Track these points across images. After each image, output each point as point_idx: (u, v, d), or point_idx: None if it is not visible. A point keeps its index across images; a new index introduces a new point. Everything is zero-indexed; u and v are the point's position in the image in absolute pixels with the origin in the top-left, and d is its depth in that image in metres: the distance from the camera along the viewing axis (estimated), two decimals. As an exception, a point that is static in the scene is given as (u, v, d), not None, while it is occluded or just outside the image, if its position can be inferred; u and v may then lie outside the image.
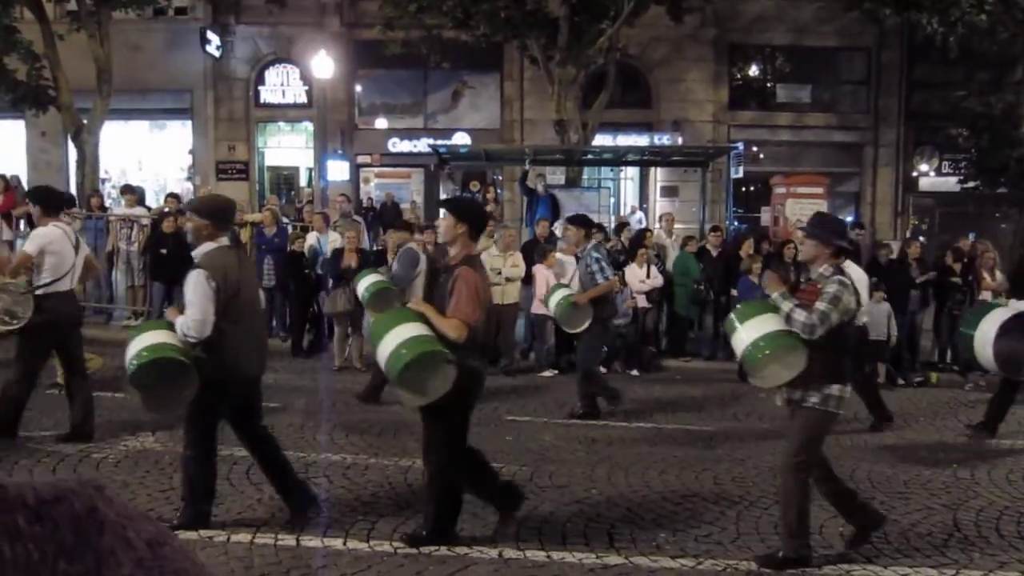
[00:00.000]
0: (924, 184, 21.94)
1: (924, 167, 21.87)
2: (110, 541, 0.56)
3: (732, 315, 5.27)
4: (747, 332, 4.93)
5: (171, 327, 4.97)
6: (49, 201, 6.86)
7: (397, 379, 4.78)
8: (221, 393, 5.05)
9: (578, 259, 8.91)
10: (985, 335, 7.19)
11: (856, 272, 8.75)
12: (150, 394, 4.99)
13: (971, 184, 18.58)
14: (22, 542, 0.52)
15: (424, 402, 4.86)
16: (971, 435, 8.25)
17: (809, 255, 5.06)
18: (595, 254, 8.47)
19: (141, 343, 4.92)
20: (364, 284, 8.11)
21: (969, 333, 7.55)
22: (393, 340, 4.77)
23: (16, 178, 16.29)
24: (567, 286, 8.78)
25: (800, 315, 4.73)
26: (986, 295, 12.18)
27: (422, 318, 4.87)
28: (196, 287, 4.87)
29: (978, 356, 7.46)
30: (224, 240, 5.13)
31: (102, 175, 17.97)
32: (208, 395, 4.98)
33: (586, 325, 8.34)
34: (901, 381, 11.07)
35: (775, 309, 4.89)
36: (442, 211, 5.65)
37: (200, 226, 5.06)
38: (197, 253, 5.04)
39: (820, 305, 4.73)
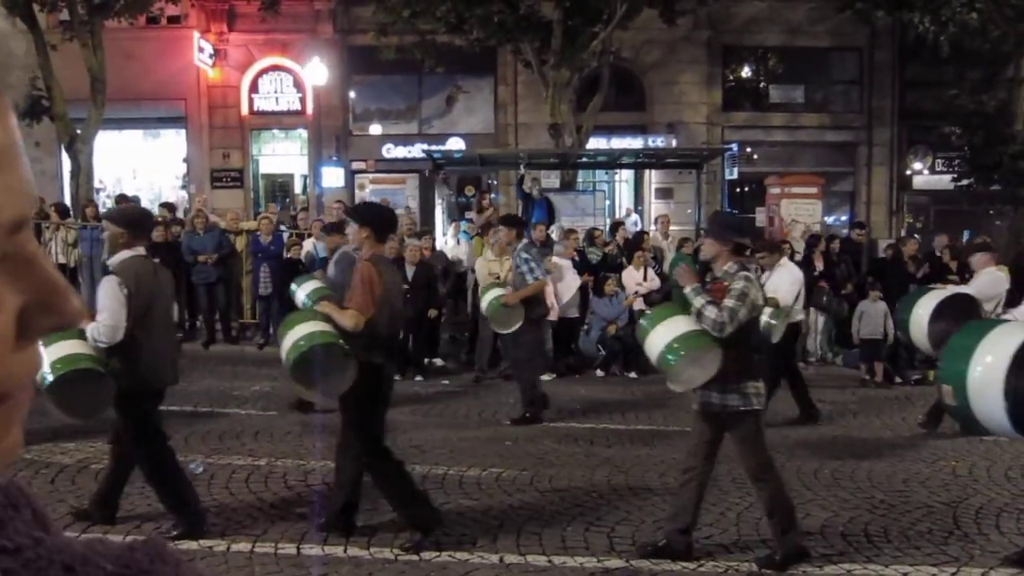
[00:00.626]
0: (918, 182, 21.98)
1: (918, 165, 21.92)
2: None
3: (642, 321, 5.28)
4: (660, 335, 4.95)
5: (81, 335, 4.93)
6: None
7: (291, 371, 4.97)
8: (136, 402, 5.09)
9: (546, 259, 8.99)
10: (920, 319, 6.98)
11: (793, 272, 8.74)
12: (69, 404, 4.92)
13: (965, 182, 18.60)
14: None
15: (325, 398, 5.07)
16: (928, 429, 8.32)
17: (710, 254, 5.10)
18: (524, 254, 8.48)
19: (53, 354, 4.83)
20: (303, 291, 8.14)
21: (904, 317, 7.36)
22: (292, 337, 4.97)
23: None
24: (500, 285, 8.83)
25: (711, 312, 4.76)
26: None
27: (326, 318, 5.07)
28: (108, 293, 4.96)
29: (914, 340, 7.22)
30: (140, 249, 5.21)
31: (97, 185, 17.96)
32: (127, 406, 5.04)
33: (517, 325, 8.37)
34: (899, 380, 11.09)
35: (685, 312, 4.94)
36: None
37: (116, 234, 5.17)
38: (112, 261, 5.17)
39: (728, 302, 4.77)
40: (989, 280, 8.39)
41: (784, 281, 8.60)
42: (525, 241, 8.75)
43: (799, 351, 12.05)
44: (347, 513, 5.26)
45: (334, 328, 5.01)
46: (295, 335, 5.00)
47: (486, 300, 8.55)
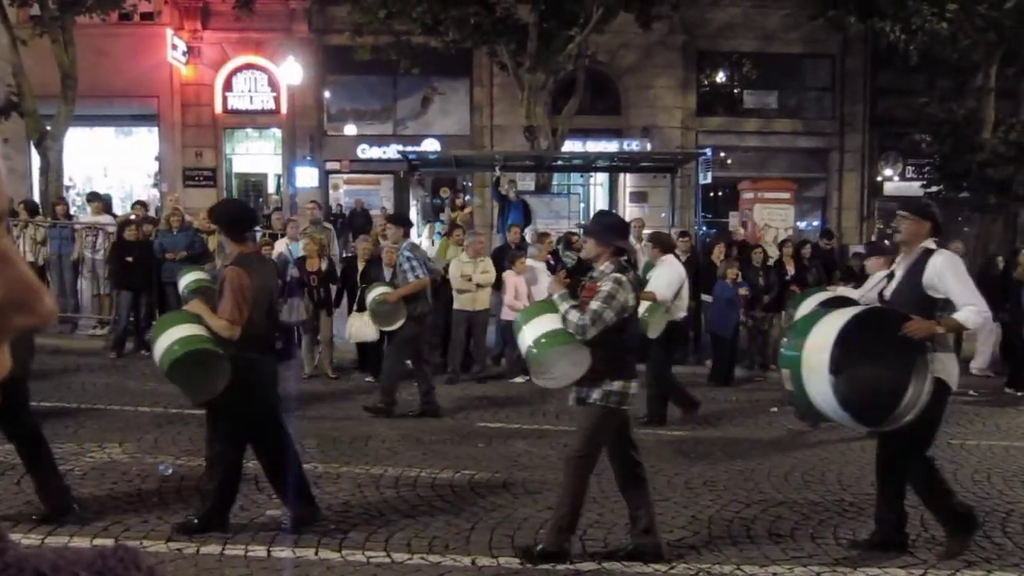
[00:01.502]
0: (889, 189, 22.26)
1: (888, 172, 22.20)
2: None
3: (517, 316, 5.32)
4: (530, 331, 5.00)
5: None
6: None
7: (168, 374, 4.99)
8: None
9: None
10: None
11: (674, 268, 8.71)
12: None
13: (934, 189, 18.86)
14: None
15: (204, 398, 5.07)
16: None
17: (591, 253, 5.11)
18: (407, 252, 8.58)
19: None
20: (184, 281, 8.13)
21: (791, 314, 6.27)
22: (167, 340, 4.96)
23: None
24: (387, 284, 8.95)
25: (573, 316, 4.79)
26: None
27: (199, 319, 5.04)
28: None
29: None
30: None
31: (67, 182, 17.74)
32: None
33: (399, 323, 8.50)
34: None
35: (555, 309, 4.97)
36: None
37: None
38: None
39: (594, 304, 4.79)
40: (878, 284, 8.47)
41: (663, 276, 8.59)
42: (409, 240, 8.84)
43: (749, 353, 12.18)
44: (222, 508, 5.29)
45: (207, 330, 4.97)
46: (169, 339, 4.95)
47: (368, 298, 8.72)
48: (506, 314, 10.60)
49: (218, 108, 20.81)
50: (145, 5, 18.96)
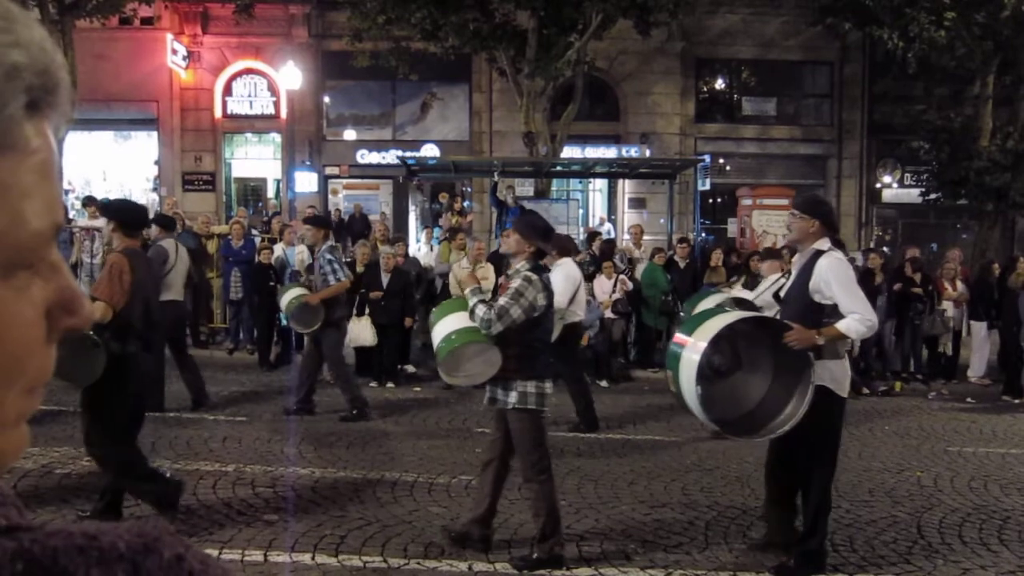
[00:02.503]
0: (887, 196, 22.30)
1: (887, 179, 22.24)
2: None
3: (432, 313, 5.37)
4: (442, 327, 5.05)
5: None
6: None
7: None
8: None
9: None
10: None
11: (569, 272, 8.58)
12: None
13: (932, 196, 18.91)
14: None
15: (86, 382, 5.10)
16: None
17: (511, 249, 5.13)
18: (328, 256, 8.54)
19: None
20: None
21: (685, 315, 6.62)
22: None
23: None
24: (302, 286, 8.89)
25: (480, 310, 4.80)
26: (947, 305, 12.42)
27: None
28: None
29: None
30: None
31: (66, 186, 17.74)
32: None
33: (317, 326, 8.44)
34: (866, 391, 11.22)
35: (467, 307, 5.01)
36: None
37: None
38: None
39: (501, 300, 4.82)
40: (771, 286, 8.47)
41: (557, 281, 8.51)
42: (329, 243, 8.79)
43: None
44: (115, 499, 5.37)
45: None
46: None
47: (285, 299, 8.60)
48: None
49: (217, 113, 20.83)
50: (145, 10, 18.97)
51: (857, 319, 4.65)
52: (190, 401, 8.77)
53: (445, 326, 5.03)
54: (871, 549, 5.46)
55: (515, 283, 4.84)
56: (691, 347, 4.68)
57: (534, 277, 4.87)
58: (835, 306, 4.74)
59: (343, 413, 8.54)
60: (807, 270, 4.83)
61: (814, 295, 4.78)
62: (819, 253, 4.83)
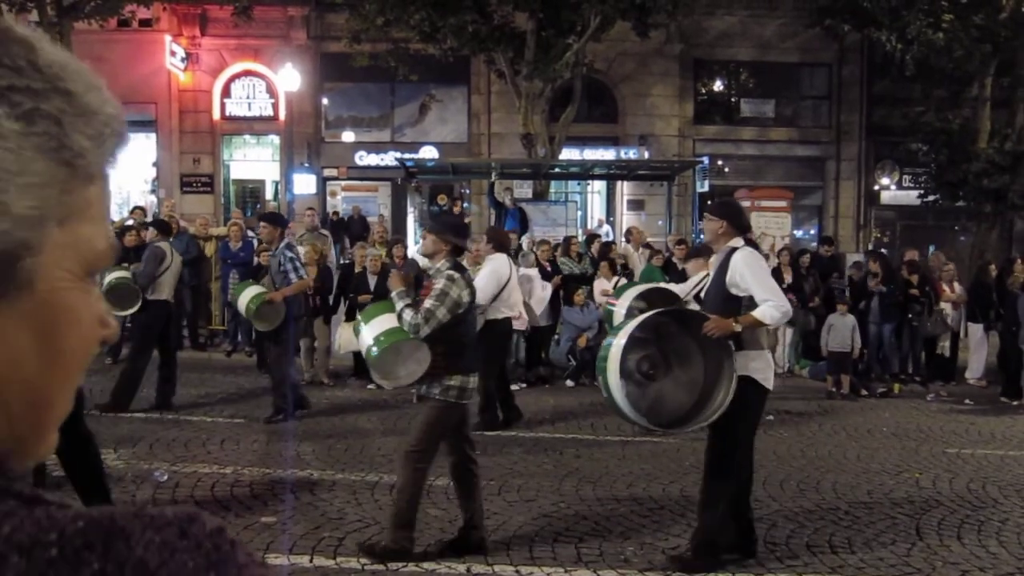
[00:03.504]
0: (885, 197, 22.32)
1: (885, 181, 22.26)
2: (243, 557, 0.60)
3: (358, 316, 5.38)
4: (370, 331, 5.08)
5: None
6: None
7: None
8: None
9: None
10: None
11: (496, 268, 8.51)
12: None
13: (931, 198, 18.93)
14: (179, 554, 0.57)
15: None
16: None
17: (428, 250, 5.21)
18: (289, 253, 8.53)
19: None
20: (106, 279, 8.08)
21: (608, 311, 6.89)
22: None
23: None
24: (261, 284, 8.86)
25: (408, 315, 4.89)
26: (946, 307, 12.43)
27: None
28: None
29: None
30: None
31: (63, 188, 17.72)
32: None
33: (277, 324, 8.40)
34: (865, 392, 11.22)
35: (394, 308, 5.05)
36: None
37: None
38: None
39: (427, 303, 4.90)
40: (698, 284, 8.54)
41: (482, 275, 8.44)
42: (287, 240, 8.79)
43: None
44: None
45: None
46: None
47: (245, 298, 8.46)
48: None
49: (216, 115, 20.82)
50: (144, 12, 18.97)
51: (771, 306, 4.87)
52: (153, 401, 8.75)
53: (372, 330, 5.07)
54: (870, 551, 5.46)
55: (439, 284, 4.92)
56: (615, 346, 4.92)
57: (456, 275, 4.96)
58: (752, 298, 4.95)
59: (274, 415, 8.40)
60: (723, 266, 5.08)
61: (731, 288, 5.00)
62: (733, 250, 5.07)
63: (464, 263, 10.47)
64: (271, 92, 20.65)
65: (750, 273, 4.92)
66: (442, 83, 20.93)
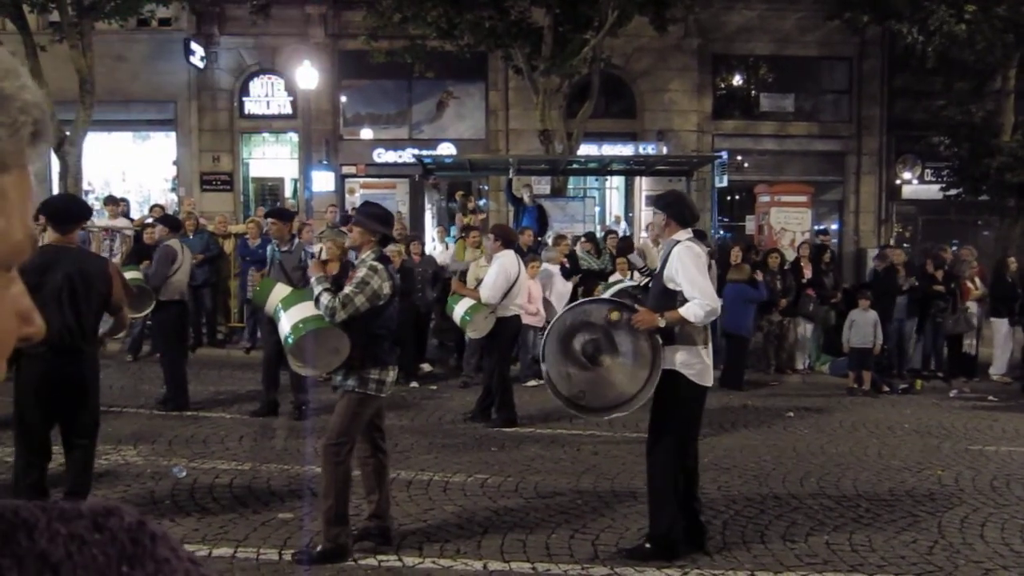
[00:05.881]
0: (907, 192, 22.08)
1: (907, 175, 22.01)
2: (163, 551, 0.59)
3: (278, 303, 5.33)
4: (289, 318, 5.08)
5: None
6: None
7: None
8: None
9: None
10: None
11: (505, 265, 8.51)
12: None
13: (953, 192, 18.70)
14: (88, 547, 0.56)
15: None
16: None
17: (355, 242, 5.20)
18: (309, 249, 8.63)
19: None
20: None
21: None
22: None
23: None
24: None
25: (325, 298, 4.88)
26: (970, 304, 12.29)
27: None
28: None
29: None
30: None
31: (85, 186, 17.86)
32: None
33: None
34: (886, 388, 11.12)
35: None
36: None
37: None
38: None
39: (346, 288, 4.90)
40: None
41: (491, 275, 8.47)
42: (297, 238, 8.86)
43: (783, 358, 12.08)
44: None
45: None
46: None
47: (276, 296, 8.47)
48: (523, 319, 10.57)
49: (235, 113, 20.91)
50: (163, 11, 19.08)
51: (697, 303, 4.91)
52: (159, 396, 8.81)
53: (291, 316, 5.08)
54: (891, 549, 5.40)
55: (360, 272, 4.94)
56: (551, 327, 5.13)
57: (379, 266, 4.97)
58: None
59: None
60: (665, 259, 5.13)
61: (668, 283, 5.05)
62: (675, 243, 5.10)
63: (481, 262, 10.54)
64: (289, 90, 20.70)
65: (681, 268, 4.96)
66: (459, 80, 20.90)
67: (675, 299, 4.98)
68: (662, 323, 4.93)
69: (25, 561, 0.54)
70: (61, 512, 0.57)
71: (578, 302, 5.27)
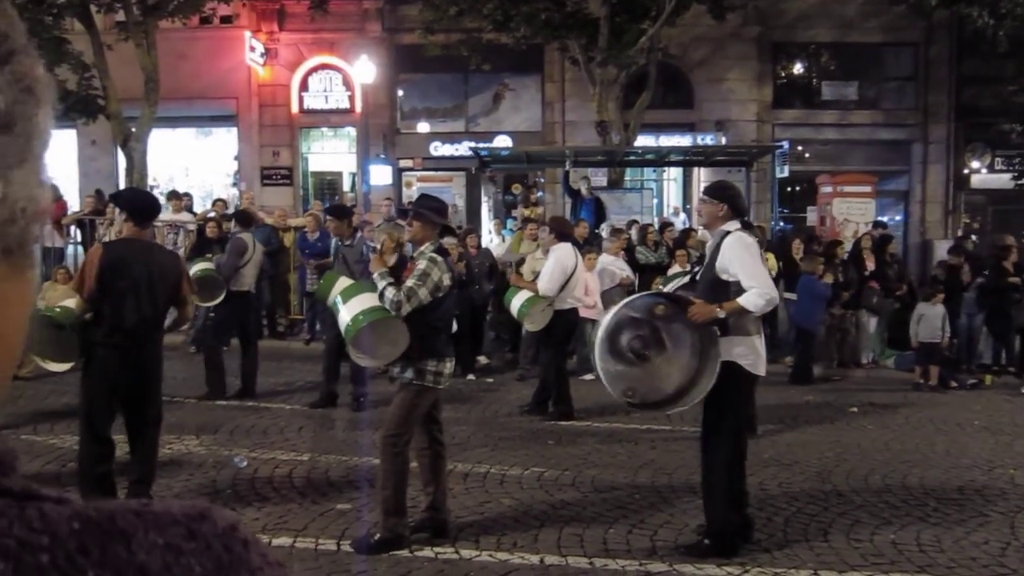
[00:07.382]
0: (976, 181, 21.40)
1: (976, 164, 21.34)
2: (256, 559, 0.58)
3: (337, 296, 5.29)
4: (348, 310, 5.07)
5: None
6: None
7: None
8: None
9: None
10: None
11: (562, 258, 8.42)
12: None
13: (1024, 181, 18.11)
14: (184, 558, 0.54)
15: (58, 368, 5.60)
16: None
17: (416, 236, 5.18)
18: (370, 243, 8.66)
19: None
20: (192, 269, 8.27)
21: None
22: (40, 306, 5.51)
23: (56, 188, 16.58)
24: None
25: (390, 292, 4.89)
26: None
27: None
28: None
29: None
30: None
31: (150, 182, 18.27)
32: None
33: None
34: (954, 384, 10.80)
35: (374, 289, 5.02)
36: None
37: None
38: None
39: (408, 281, 4.91)
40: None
41: (547, 268, 8.40)
42: (360, 233, 8.92)
43: (846, 352, 11.82)
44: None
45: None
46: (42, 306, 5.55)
47: (338, 288, 8.53)
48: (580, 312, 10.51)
49: (294, 108, 21.17)
50: (224, 8, 19.39)
51: (756, 293, 4.82)
52: (239, 388, 8.99)
53: (351, 308, 5.10)
54: (960, 550, 5.23)
55: (421, 264, 4.97)
56: (602, 324, 5.05)
57: (439, 258, 5.01)
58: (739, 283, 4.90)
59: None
60: (716, 251, 5.05)
61: (721, 274, 4.97)
62: (726, 234, 5.01)
63: (538, 255, 10.50)
64: (347, 85, 20.89)
65: (737, 259, 4.89)
66: (515, 72, 20.85)
67: (727, 290, 4.92)
68: (722, 314, 4.86)
69: (124, 575, 0.52)
70: (156, 518, 0.55)
71: (625, 300, 5.22)
